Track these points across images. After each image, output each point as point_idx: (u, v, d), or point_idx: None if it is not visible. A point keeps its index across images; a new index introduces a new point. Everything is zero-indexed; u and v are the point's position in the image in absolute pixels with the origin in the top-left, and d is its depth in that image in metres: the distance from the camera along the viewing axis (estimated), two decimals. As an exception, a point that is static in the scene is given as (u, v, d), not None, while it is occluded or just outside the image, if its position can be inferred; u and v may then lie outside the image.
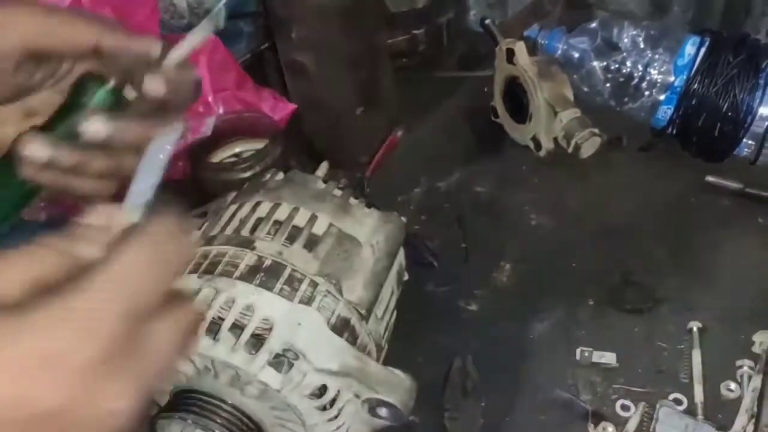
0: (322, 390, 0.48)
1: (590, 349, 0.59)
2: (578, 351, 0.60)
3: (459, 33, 0.97)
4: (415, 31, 0.91)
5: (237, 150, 0.75)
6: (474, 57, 0.95)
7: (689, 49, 0.75)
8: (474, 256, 0.70)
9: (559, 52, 0.82)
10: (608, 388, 0.58)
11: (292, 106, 0.79)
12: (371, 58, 0.76)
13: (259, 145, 0.76)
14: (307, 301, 0.49)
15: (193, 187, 0.71)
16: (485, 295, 0.67)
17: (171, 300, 0.30)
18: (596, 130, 0.74)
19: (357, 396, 0.49)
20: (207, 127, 0.68)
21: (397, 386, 0.49)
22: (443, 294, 0.67)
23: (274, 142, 0.72)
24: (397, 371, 0.50)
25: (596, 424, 0.55)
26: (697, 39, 0.75)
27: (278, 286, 0.49)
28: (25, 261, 0.28)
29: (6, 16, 0.42)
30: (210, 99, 0.72)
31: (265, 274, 0.49)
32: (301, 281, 0.50)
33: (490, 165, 0.81)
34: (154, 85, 0.43)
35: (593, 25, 0.82)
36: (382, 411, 0.50)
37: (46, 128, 0.45)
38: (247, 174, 0.70)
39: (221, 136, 0.73)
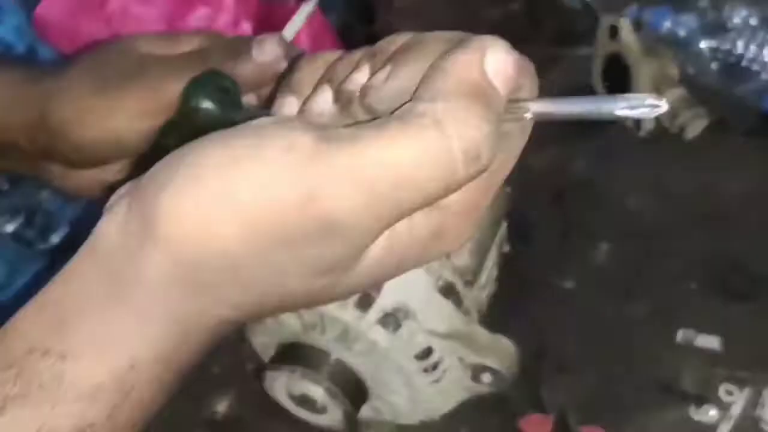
0: (428, 352, 0.49)
1: (693, 331, 0.58)
2: (680, 333, 0.59)
3: (556, 9, 0.95)
4: (510, 6, 0.90)
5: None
6: (571, 34, 0.93)
7: (807, 30, 0.72)
8: (570, 234, 0.69)
9: (665, 30, 0.80)
10: (711, 372, 0.57)
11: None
12: (470, 29, 0.75)
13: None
14: (417, 263, 0.49)
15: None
16: (581, 273, 0.66)
17: None
18: (702, 111, 0.72)
19: (461, 360, 0.50)
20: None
21: (501, 352, 0.49)
22: (539, 270, 0.66)
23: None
24: (503, 338, 0.50)
25: (698, 407, 0.54)
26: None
27: (389, 247, 0.49)
28: None
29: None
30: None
31: (377, 235, 0.50)
32: (410, 244, 0.50)
33: (587, 144, 0.80)
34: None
35: (702, 2, 0.79)
36: (485, 376, 0.50)
37: None
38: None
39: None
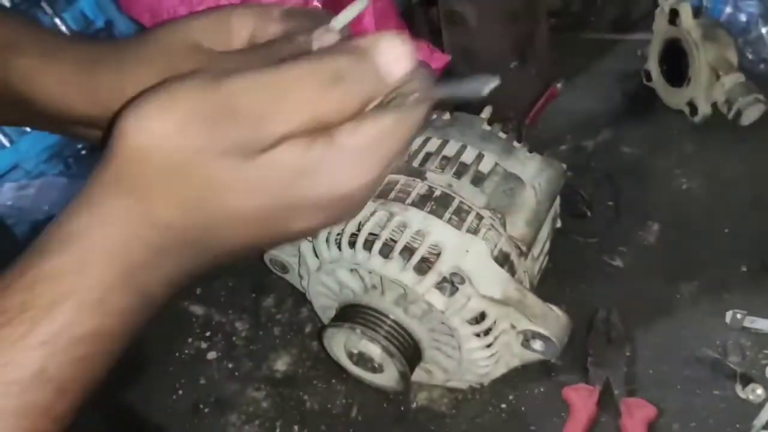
0: (481, 317, 0.51)
1: (743, 312, 0.59)
2: (729, 314, 0.59)
3: (613, -5, 0.96)
4: (571, -9, 0.91)
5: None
6: (627, 20, 0.94)
7: None
8: (621, 214, 0.70)
9: (725, 15, 0.80)
10: (759, 352, 0.57)
11: (446, 57, 0.81)
12: (530, 13, 0.77)
13: (413, 92, 0.79)
14: (474, 231, 0.51)
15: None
16: (631, 252, 0.67)
17: None
18: (761, 97, 0.72)
19: (513, 327, 0.52)
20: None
21: (553, 321, 0.51)
22: (589, 247, 0.68)
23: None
24: (555, 307, 0.52)
25: (744, 386, 0.55)
26: None
27: (447, 215, 0.51)
28: None
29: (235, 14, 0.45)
30: (374, 44, 0.75)
31: (435, 203, 0.52)
32: (468, 213, 0.52)
33: (640, 128, 0.81)
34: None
35: (764, -11, 0.79)
36: (536, 344, 0.52)
37: None
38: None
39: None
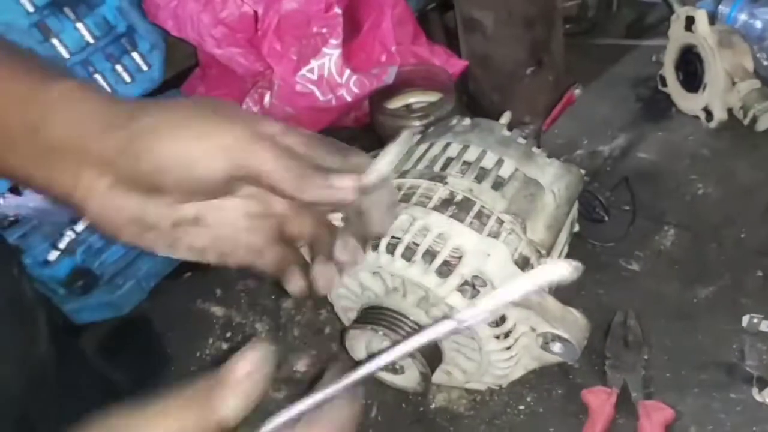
0: (502, 319, 0.52)
1: (760, 316, 0.59)
2: (746, 318, 0.60)
3: (628, 1, 0.96)
4: (586, -4, 0.92)
5: (410, 101, 0.79)
6: (642, 26, 0.95)
7: None
8: (638, 218, 0.71)
9: (740, 22, 0.80)
10: (776, 356, 0.58)
11: (463, 63, 0.82)
12: (546, 20, 0.78)
13: (430, 98, 0.80)
14: (494, 235, 0.52)
15: (371, 131, 0.76)
16: (647, 256, 0.68)
17: None
18: (776, 103, 0.73)
19: (533, 329, 0.53)
20: (389, 75, 0.72)
21: (573, 324, 0.52)
22: (606, 251, 0.68)
23: (449, 94, 0.75)
24: (574, 310, 0.53)
25: (761, 389, 0.56)
26: None
27: (468, 219, 0.52)
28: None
29: (216, 127, 0.40)
30: (393, 50, 0.77)
31: (457, 208, 0.53)
32: (489, 217, 0.53)
33: (656, 133, 0.81)
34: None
35: (779, -4, 0.80)
36: (556, 346, 0.53)
37: None
38: (422, 122, 0.74)
39: (397, 85, 0.78)
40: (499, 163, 0.56)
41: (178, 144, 0.40)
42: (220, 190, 0.42)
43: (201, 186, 0.41)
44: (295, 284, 0.44)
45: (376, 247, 0.52)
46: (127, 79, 0.83)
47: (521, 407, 0.59)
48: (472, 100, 0.86)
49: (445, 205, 0.53)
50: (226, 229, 0.44)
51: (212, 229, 0.44)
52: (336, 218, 0.44)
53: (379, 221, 0.43)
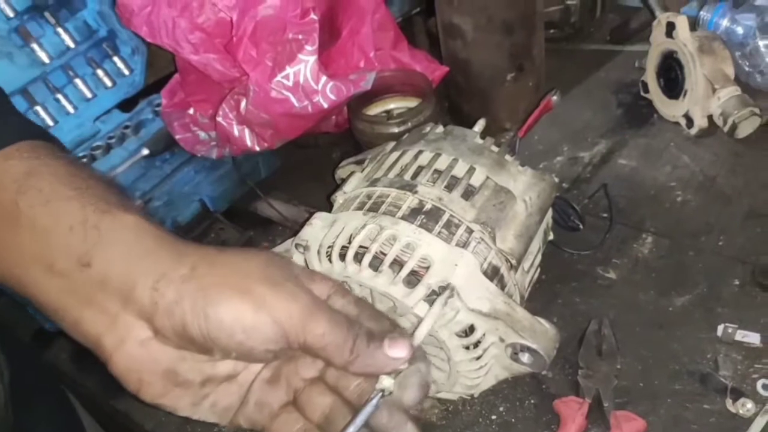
0: (470, 330, 0.51)
1: (734, 326, 0.59)
2: (720, 327, 0.59)
3: (612, 6, 0.96)
4: (569, 2, 0.91)
5: (390, 106, 0.79)
6: (625, 31, 0.94)
7: None
8: (615, 226, 0.70)
9: (722, 28, 0.80)
10: (750, 367, 0.57)
11: (444, 69, 0.82)
12: (526, 25, 0.78)
13: (410, 103, 0.79)
14: (463, 245, 0.52)
15: (351, 136, 0.75)
16: (624, 264, 0.67)
17: None
18: (757, 110, 0.72)
19: (502, 340, 0.52)
20: (366, 81, 0.72)
21: (541, 334, 0.51)
22: (582, 259, 0.68)
23: (427, 100, 0.75)
24: (543, 320, 0.52)
25: (735, 400, 0.55)
26: None
27: (437, 228, 0.52)
28: None
29: (275, 297, 0.39)
30: (371, 55, 0.76)
31: (426, 217, 0.52)
32: (458, 226, 0.53)
33: (636, 140, 0.81)
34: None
35: (760, 1, 0.79)
36: (525, 357, 0.52)
37: None
38: (401, 129, 0.73)
39: (376, 91, 0.77)
40: (470, 171, 0.56)
41: (234, 311, 0.38)
42: (268, 359, 0.42)
43: (251, 355, 0.40)
44: None
45: (343, 257, 0.51)
46: (108, 83, 0.82)
47: (494, 417, 0.58)
48: (453, 105, 0.86)
49: (414, 214, 0.52)
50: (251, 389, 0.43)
51: (241, 388, 0.43)
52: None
53: (413, 394, 0.42)
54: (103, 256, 0.38)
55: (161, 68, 0.88)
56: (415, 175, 0.56)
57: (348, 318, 0.41)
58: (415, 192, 0.54)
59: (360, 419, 0.40)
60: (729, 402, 0.55)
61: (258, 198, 0.83)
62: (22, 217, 0.39)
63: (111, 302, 0.38)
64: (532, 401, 0.59)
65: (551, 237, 0.63)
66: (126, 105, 0.84)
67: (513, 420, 0.58)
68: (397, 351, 0.41)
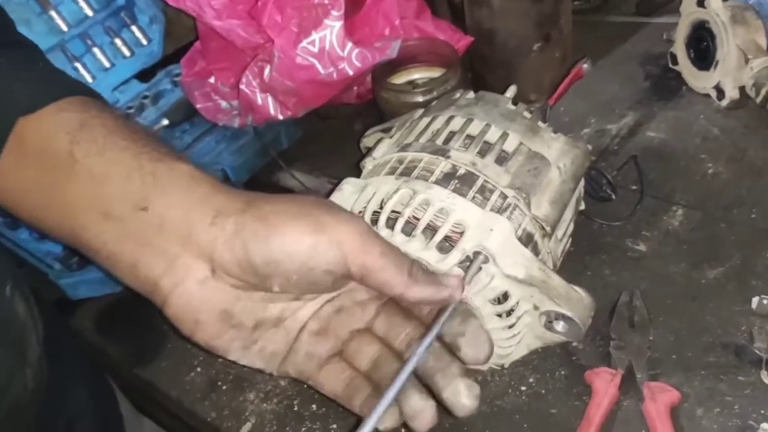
0: (504, 297, 0.50)
1: (768, 298, 0.58)
2: (755, 300, 0.58)
3: (639, -23, 0.94)
4: (596, -27, 0.89)
5: (415, 76, 0.78)
6: (653, 3, 0.92)
7: None
8: (645, 197, 0.69)
9: (755, -2, 0.78)
10: (785, 339, 0.57)
11: (468, 39, 0.80)
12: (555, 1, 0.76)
13: (435, 73, 0.78)
14: (498, 210, 0.51)
15: (374, 107, 0.74)
16: (655, 237, 0.66)
17: None
18: (790, 81, 0.71)
19: (536, 308, 0.51)
20: (392, 49, 0.71)
21: (577, 302, 0.51)
22: (612, 231, 0.67)
23: (453, 70, 0.74)
24: (579, 289, 0.51)
25: (770, 372, 0.54)
26: None
27: (471, 193, 0.51)
28: None
29: (332, 220, 0.40)
30: (396, 23, 0.75)
31: (459, 182, 0.51)
32: (492, 191, 0.51)
33: (665, 112, 0.79)
34: None
35: (795, -30, 0.77)
36: (559, 325, 0.52)
37: None
38: (426, 98, 0.72)
39: (400, 60, 0.76)
40: (504, 136, 0.55)
41: (292, 235, 0.39)
42: (328, 286, 0.42)
43: (311, 278, 0.40)
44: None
45: (375, 222, 0.50)
46: (127, 53, 0.81)
47: (523, 388, 0.58)
48: (477, 76, 0.84)
49: (447, 179, 0.51)
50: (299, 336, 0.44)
51: (289, 335, 0.44)
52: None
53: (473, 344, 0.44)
54: (160, 200, 0.39)
55: (179, 38, 0.86)
56: (447, 141, 0.55)
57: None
58: (448, 157, 0.53)
59: (436, 328, 0.42)
60: (764, 374, 0.54)
61: (279, 168, 0.82)
62: (77, 166, 0.40)
63: (169, 244, 0.39)
64: (563, 372, 0.58)
65: (582, 206, 0.61)
66: (143, 76, 0.82)
67: (543, 391, 0.57)
68: (452, 280, 0.44)
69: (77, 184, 0.40)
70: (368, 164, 0.57)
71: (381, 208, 0.51)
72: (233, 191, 0.41)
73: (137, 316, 0.71)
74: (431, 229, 0.49)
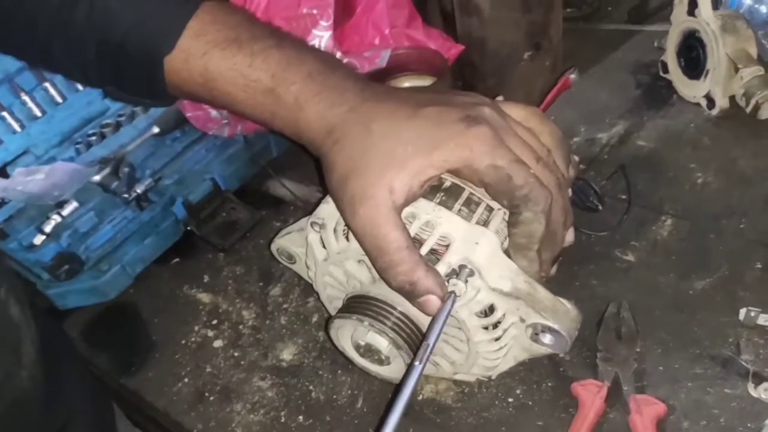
0: (490, 309, 0.50)
1: (757, 310, 0.58)
2: (743, 311, 0.58)
3: (630, -16, 0.94)
4: (588, -19, 0.89)
5: (405, 85, 0.77)
6: (643, 11, 0.92)
7: None
8: (633, 208, 0.69)
9: (745, 7, 0.78)
10: (772, 351, 0.57)
11: (459, 47, 0.80)
12: (545, 3, 0.76)
13: (425, 82, 0.78)
14: (483, 223, 0.51)
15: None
16: (643, 247, 0.66)
17: None
18: (780, 91, 0.71)
19: (522, 320, 0.51)
20: (381, 58, 0.70)
21: (563, 315, 0.50)
22: (600, 241, 0.67)
23: (443, 79, 0.73)
24: (565, 301, 0.51)
25: (757, 384, 0.54)
26: None
27: (457, 206, 0.51)
28: None
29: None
30: (387, 32, 0.75)
31: (445, 194, 0.51)
32: (478, 204, 0.51)
33: (655, 120, 0.79)
34: None
35: (785, -20, 0.77)
36: (546, 338, 0.51)
37: None
38: (416, 107, 0.72)
39: (390, 69, 0.76)
40: (490, 149, 0.54)
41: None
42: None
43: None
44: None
45: (360, 235, 0.50)
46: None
47: (510, 400, 0.57)
48: (467, 85, 0.84)
49: (433, 191, 0.51)
50: None
51: None
52: None
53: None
54: None
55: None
56: (433, 153, 0.54)
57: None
58: (434, 169, 0.53)
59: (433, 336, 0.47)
60: (751, 386, 0.54)
61: (269, 177, 0.82)
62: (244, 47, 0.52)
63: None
64: (550, 384, 0.58)
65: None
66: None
67: (530, 403, 0.57)
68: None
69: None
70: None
71: (367, 220, 0.50)
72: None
73: (125, 327, 0.72)
74: (417, 242, 0.49)
